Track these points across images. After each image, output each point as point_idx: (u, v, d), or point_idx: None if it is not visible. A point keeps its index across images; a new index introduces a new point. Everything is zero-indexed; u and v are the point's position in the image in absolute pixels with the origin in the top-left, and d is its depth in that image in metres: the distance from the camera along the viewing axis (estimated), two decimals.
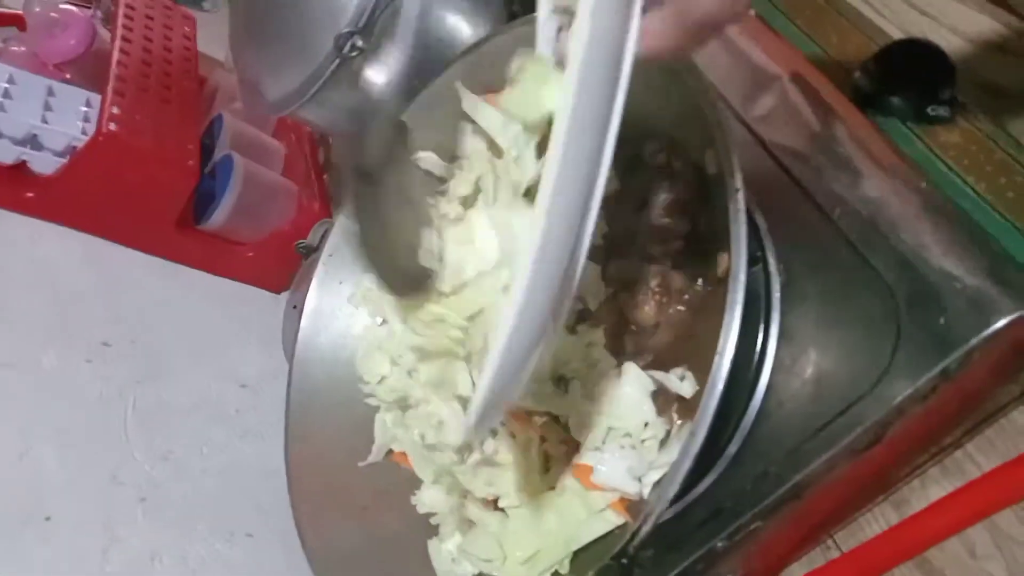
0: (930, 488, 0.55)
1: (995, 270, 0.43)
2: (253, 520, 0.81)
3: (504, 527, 0.52)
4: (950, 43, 0.59)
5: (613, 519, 0.49)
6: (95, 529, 0.72)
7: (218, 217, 1.00)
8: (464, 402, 0.59)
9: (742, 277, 0.39)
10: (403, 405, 0.64)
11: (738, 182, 0.41)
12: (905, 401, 0.44)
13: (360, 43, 0.64)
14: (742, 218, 0.40)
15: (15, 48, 0.99)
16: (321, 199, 1.06)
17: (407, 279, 0.57)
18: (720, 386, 0.39)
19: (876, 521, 0.58)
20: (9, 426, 0.73)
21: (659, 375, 0.51)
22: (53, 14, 1.00)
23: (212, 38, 1.19)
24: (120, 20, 1.01)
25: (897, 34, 0.61)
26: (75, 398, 0.79)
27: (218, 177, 1.01)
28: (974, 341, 0.42)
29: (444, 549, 0.57)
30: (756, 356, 0.52)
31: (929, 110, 0.51)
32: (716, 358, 0.39)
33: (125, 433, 0.80)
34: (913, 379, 0.44)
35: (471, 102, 0.58)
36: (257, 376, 0.95)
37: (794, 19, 0.60)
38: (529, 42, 0.50)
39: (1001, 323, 0.41)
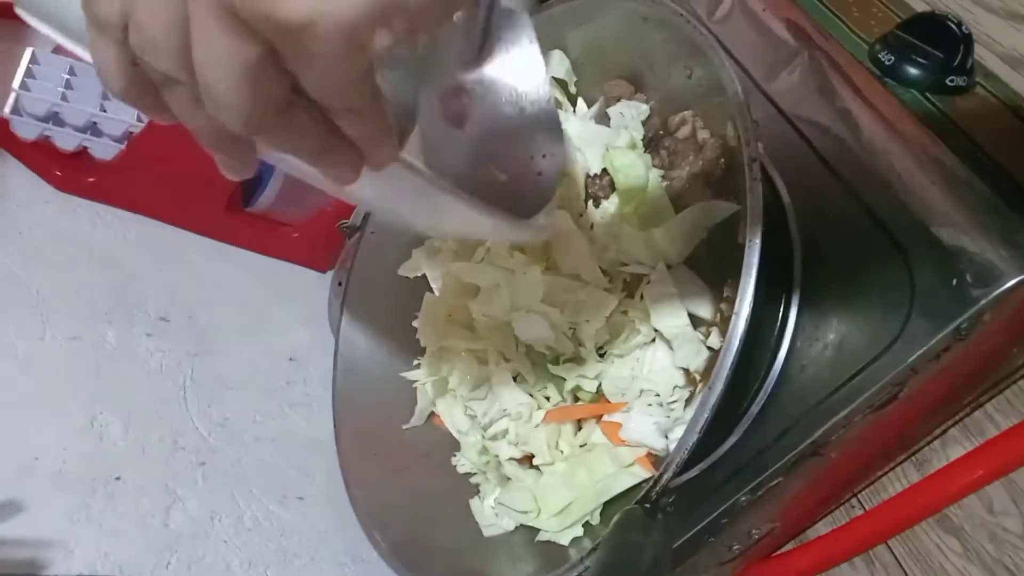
0: (951, 448, 0.57)
1: (1006, 234, 0.44)
2: (303, 484, 0.86)
3: (538, 482, 0.55)
4: (971, 12, 0.60)
5: (640, 473, 0.52)
6: (159, 490, 0.77)
7: (265, 199, 1.04)
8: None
9: (757, 242, 0.41)
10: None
11: (754, 152, 0.43)
12: (919, 360, 0.46)
13: None
14: (758, 188, 0.42)
15: None
16: None
17: None
18: (736, 343, 0.41)
19: (899, 480, 0.59)
20: (80, 395, 0.79)
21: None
22: None
23: None
24: None
25: (919, 4, 0.62)
26: (137, 369, 0.85)
27: (264, 161, 1.05)
28: (984, 302, 0.44)
29: (486, 506, 0.60)
30: (779, 320, 0.54)
31: (948, 80, 0.52)
32: (732, 318, 0.41)
33: (184, 402, 0.85)
34: (926, 339, 0.46)
35: None
36: (304, 350, 1.00)
37: None
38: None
39: (1010, 283, 0.43)
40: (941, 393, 0.51)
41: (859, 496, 0.61)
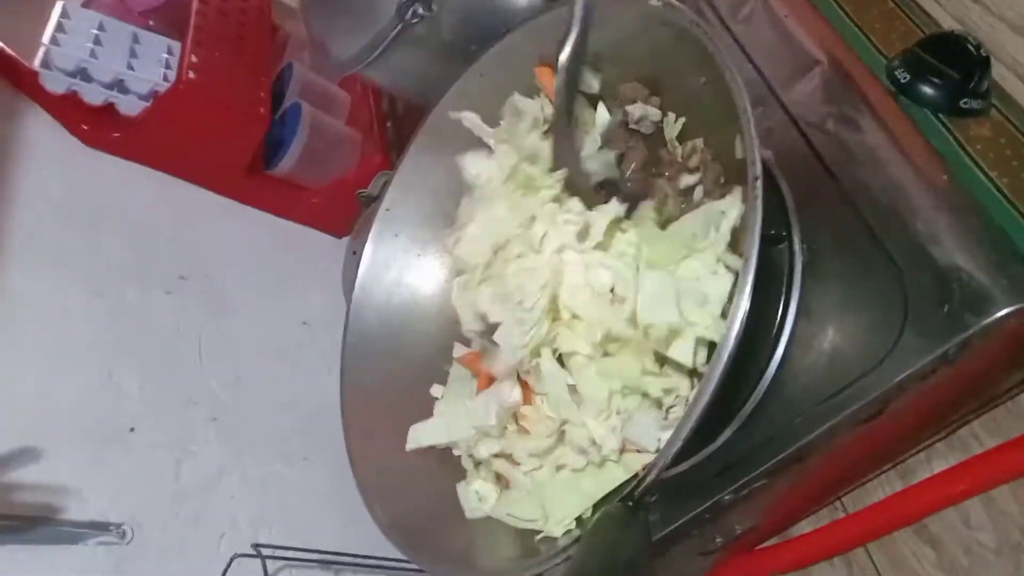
0: (935, 461, 0.58)
1: (1002, 264, 0.45)
2: (309, 446, 0.89)
3: (543, 490, 0.57)
4: (996, 31, 0.59)
5: None
6: (171, 443, 0.80)
7: (286, 163, 1.06)
8: None
9: (753, 261, 0.42)
10: None
11: (757, 170, 0.44)
12: (906, 380, 0.48)
13: (421, 10, 0.68)
14: (759, 206, 0.43)
15: None
16: (383, 150, 1.11)
17: None
18: (727, 353, 0.42)
19: (882, 488, 0.61)
20: (98, 349, 0.82)
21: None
22: None
23: None
24: None
25: (944, 18, 0.62)
26: (155, 326, 0.87)
27: (287, 124, 1.07)
28: (975, 329, 0.45)
29: (471, 491, 0.63)
30: (775, 326, 0.55)
31: (962, 103, 0.52)
32: (726, 324, 0.43)
33: (199, 360, 0.88)
34: (915, 360, 0.47)
35: None
36: (317, 315, 1.02)
37: (842, 2, 0.62)
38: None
39: (1000, 314, 0.44)
40: (927, 411, 0.52)
41: (843, 499, 0.63)
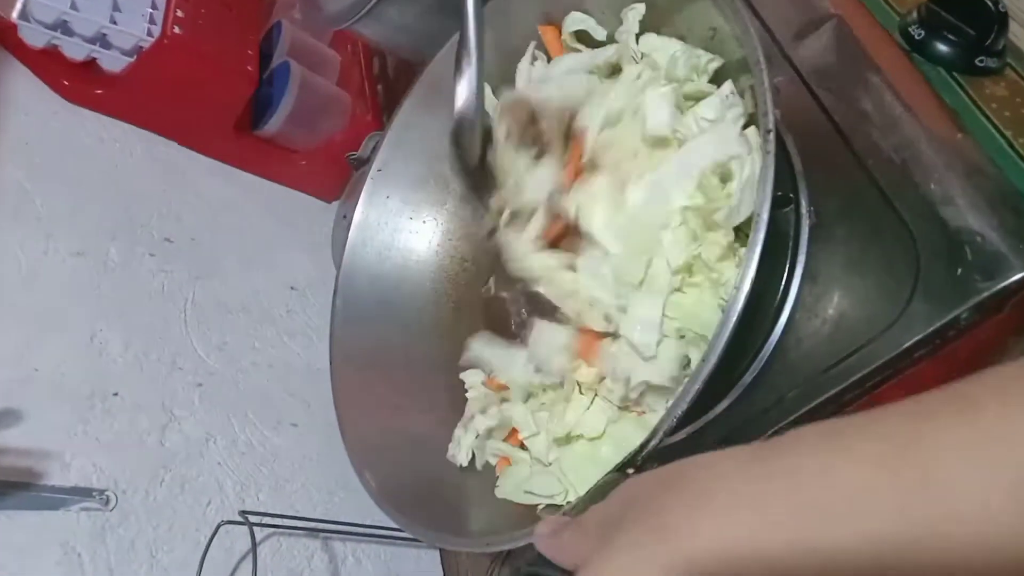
0: None
1: (1017, 227, 0.44)
2: (298, 411, 0.88)
3: (561, 463, 0.55)
4: None
5: None
6: (156, 408, 0.78)
7: (274, 123, 1.03)
8: None
9: (765, 217, 0.40)
10: None
11: (771, 123, 0.42)
12: (915, 345, 0.46)
13: None
14: (771, 161, 0.41)
15: None
16: (374, 111, 1.09)
17: None
18: (733, 319, 0.41)
19: None
20: (81, 310, 0.79)
21: None
22: None
23: None
24: None
25: None
26: (139, 289, 0.85)
27: (275, 84, 1.04)
28: (986, 294, 0.43)
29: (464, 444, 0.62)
30: (780, 293, 0.54)
31: (977, 61, 0.51)
32: (733, 292, 0.41)
33: (184, 324, 0.86)
34: (925, 325, 0.46)
35: None
36: (306, 280, 1.00)
37: None
38: None
39: (1016, 278, 0.43)
40: (936, 378, 0.51)
41: None
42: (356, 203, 0.76)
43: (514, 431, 0.61)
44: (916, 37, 0.52)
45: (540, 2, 0.66)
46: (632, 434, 0.53)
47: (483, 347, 0.64)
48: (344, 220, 0.92)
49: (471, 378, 0.66)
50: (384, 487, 0.59)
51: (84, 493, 0.69)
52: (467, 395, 0.66)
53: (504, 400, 0.62)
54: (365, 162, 1.00)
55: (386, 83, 1.17)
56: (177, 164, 0.99)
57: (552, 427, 0.56)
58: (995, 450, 0.26)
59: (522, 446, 0.60)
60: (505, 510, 0.57)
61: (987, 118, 0.48)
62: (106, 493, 0.70)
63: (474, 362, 0.65)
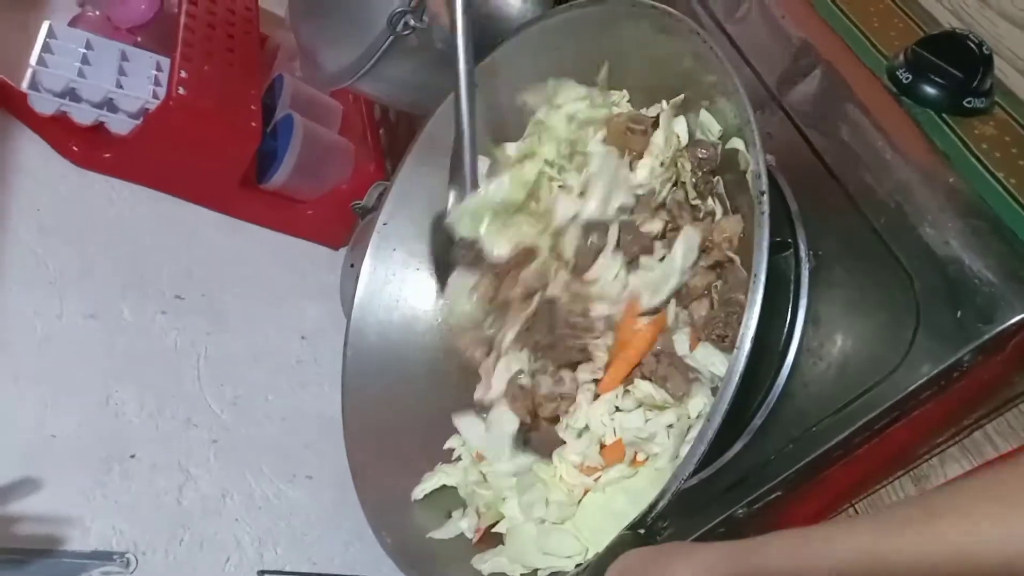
0: (949, 466, 0.57)
1: (1012, 268, 0.44)
2: (312, 462, 0.88)
3: (576, 519, 0.56)
4: (996, 25, 0.58)
5: None
6: (173, 467, 0.79)
7: (279, 176, 1.04)
8: None
9: (762, 278, 0.41)
10: None
11: (763, 185, 0.43)
12: (920, 388, 0.47)
13: (412, 22, 0.67)
14: (766, 222, 0.42)
15: (90, 13, 1.04)
16: (377, 159, 1.10)
17: None
18: (736, 379, 0.42)
19: (896, 494, 0.60)
20: (95, 372, 0.80)
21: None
22: None
23: None
24: None
25: (941, 13, 0.61)
26: (152, 347, 0.86)
27: (279, 137, 1.05)
28: (988, 336, 0.44)
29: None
30: (783, 337, 0.55)
31: (965, 102, 0.51)
32: (735, 352, 0.42)
33: (198, 380, 0.87)
34: (929, 368, 0.46)
35: None
36: (316, 328, 1.01)
37: (839, 0, 0.61)
38: (577, 26, 0.52)
39: (1014, 320, 0.43)
40: (941, 417, 0.51)
41: (856, 506, 0.62)
42: (363, 252, 0.77)
43: None
44: (904, 80, 0.53)
45: (532, 54, 0.67)
46: (645, 486, 0.53)
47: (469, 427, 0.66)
48: (352, 268, 0.93)
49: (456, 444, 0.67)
50: (398, 544, 0.59)
51: (105, 557, 0.69)
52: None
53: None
54: (371, 210, 1.01)
55: (388, 128, 1.19)
56: (185, 221, 1.00)
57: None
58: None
59: None
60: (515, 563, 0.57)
61: (978, 159, 0.49)
62: (127, 556, 0.70)
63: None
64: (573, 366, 0.61)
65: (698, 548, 0.36)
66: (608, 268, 0.58)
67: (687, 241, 0.55)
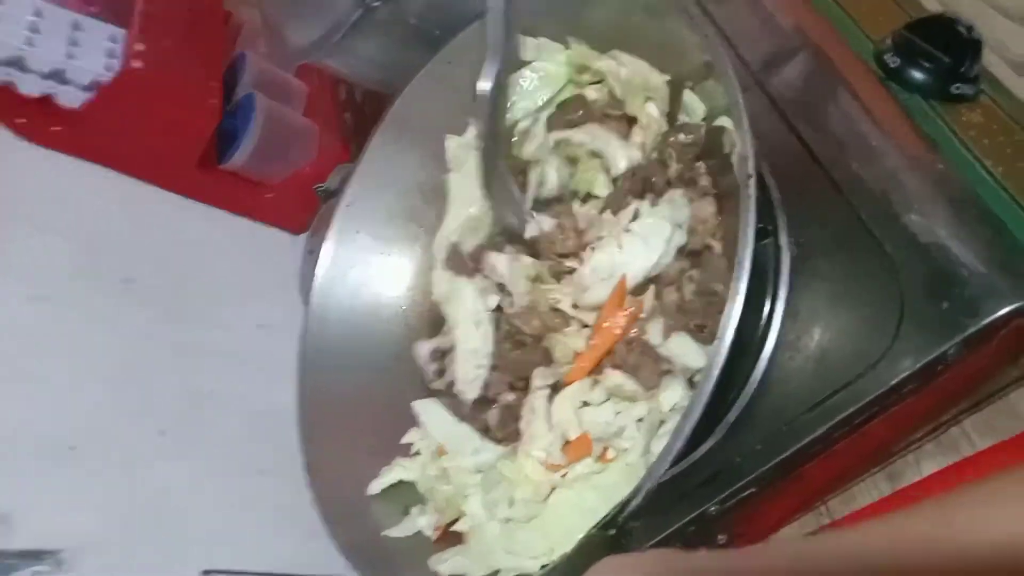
0: (924, 463, 0.56)
1: (1001, 258, 0.43)
2: (268, 457, 0.84)
3: (544, 515, 0.53)
4: (984, 15, 0.57)
5: None
6: (118, 460, 0.74)
7: (239, 157, 1.00)
8: None
9: (747, 266, 0.39)
10: None
11: (751, 168, 0.40)
12: (902, 382, 0.45)
13: None
14: (751, 206, 0.40)
15: None
16: (342, 141, 1.07)
17: None
18: (717, 372, 0.40)
19: (869, 491, 0.59)
20: (40, 357, 0.75)
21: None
22: None
23: None
24: None
25: (930, 1, 0.59)
26: (102, 333, 0.81)
27: (240, 116, 1.01)
28: (973, 329, 0.42)
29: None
30: (760, 329, 0.53)
31: (953, 88, 0.50)
32: (715, 343, 0.40)
33: (148, 369, 0.82)
34: (912, 362, 0.45)
35: None
36: (274, 318, 0.97)
37: None
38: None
39: (1001, 312, 0.42)
40: (921, 412, 0.50)
41: (828, 504, 0.61)
42: (324, 238, 0.74)
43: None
44: (891, 65, 0.51)
45: None
46: (616, 480, 0.51)
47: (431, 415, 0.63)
48: (312, 255, 0.89)
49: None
50: (353, 544, 0.56)
51: (34, 556, 0.64)
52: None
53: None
54: (333, 194, 0.97)
55: (354, 111, 1.15)
56: (139, 201, 0.96)
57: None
58: None
59: None
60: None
61: (966, 147, 0.48)
62: (60, 554, 0.66)
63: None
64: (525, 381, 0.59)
65: (692, 557, 0.33)
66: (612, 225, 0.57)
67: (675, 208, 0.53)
